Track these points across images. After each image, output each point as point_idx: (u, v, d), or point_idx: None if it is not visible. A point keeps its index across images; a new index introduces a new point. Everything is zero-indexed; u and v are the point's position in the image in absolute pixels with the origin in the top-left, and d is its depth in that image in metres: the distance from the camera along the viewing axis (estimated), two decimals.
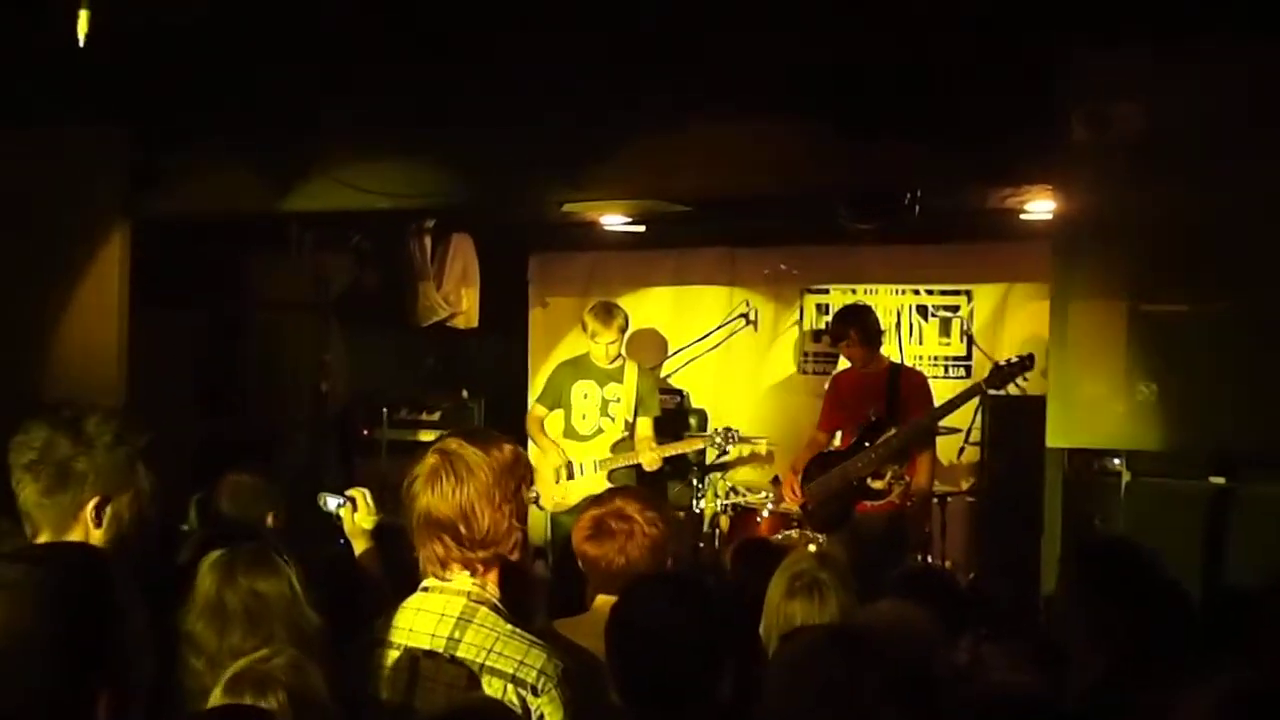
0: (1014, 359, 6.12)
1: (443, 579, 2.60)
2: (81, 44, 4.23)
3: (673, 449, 6.95)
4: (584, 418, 6.72)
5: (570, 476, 6.67)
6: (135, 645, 1.90)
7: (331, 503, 3.60)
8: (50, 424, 2.53)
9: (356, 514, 3.55)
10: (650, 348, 8.56)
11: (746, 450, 8.07)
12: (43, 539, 2.52)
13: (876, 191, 5.96)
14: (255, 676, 2.28)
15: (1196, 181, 4.58)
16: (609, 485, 6.43)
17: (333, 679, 2.46)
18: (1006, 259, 7.71)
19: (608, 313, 6.68)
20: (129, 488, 2.59)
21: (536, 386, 9.10)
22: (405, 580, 2.79)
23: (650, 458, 6.62)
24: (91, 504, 2.52)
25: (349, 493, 3.59)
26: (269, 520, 4.11)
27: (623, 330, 6.69)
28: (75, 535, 2.53)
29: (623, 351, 6.77)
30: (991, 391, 6.22)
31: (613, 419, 6.71)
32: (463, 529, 2.54)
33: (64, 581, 1.92)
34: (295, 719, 2.21)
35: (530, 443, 6.67)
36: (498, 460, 2.59)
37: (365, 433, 8.03)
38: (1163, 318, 4.68)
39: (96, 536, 2.55)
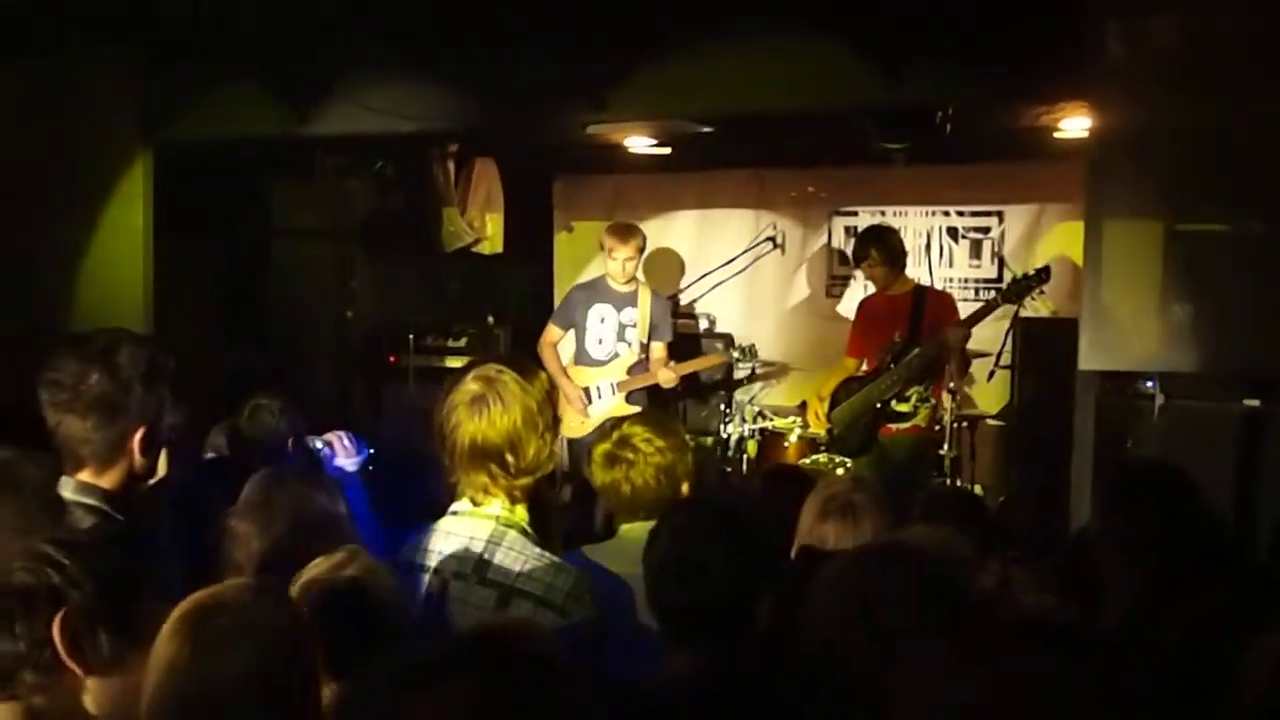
0: (1030, 271, 6.06)
1: (475, 503, 2.59)
2: None
3: (688, 366, 7.03)
4: (600, 342, 6.74)
5: (589, 402, 6.70)
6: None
7: (317, 443, 3.62)
8: (83, 355, 2.49)
9: (336, 459, 3.56)
10: (671, 270, 8.53)
11: (772, 373, 8.07)
12: (85, 473, 2.50)
13: (907, 111, 5.86)
14: (325, 584, 2.26)
15: (1234, 97, 4.46)
16: (628, 407, 6.48)
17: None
18: (1039, 179, 7.60)
19: (626, 229, 6.76)
20: (165, 417, 2.57)
21: None
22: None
23: (666, 376, 6.70)
24: (138, 435, 2.51)
25: (325, 437, 3.60)
26: (290, 444, 4.13)
27: (640, 250, 6.72)
28: (119, 468, 2.51)
29: (638, 274, 6.81)
30: (1008, 305, 6.15)
31: (629, 344, 6.74)
32: (509, 456, 2.53)
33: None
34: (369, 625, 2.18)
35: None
36: (538, 387, 2.59)
37: (392, 360, 8.05)
38: (1198, 237, 4.60)
39: (140, 467, 2.54)
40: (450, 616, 2.52)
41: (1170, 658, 2.36)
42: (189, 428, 3.84)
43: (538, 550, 2.54)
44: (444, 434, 2.57)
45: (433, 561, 2.58)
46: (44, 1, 5.36)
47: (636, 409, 6.38)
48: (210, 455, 4.34)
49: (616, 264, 6.67)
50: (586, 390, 6.75)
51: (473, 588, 2.52)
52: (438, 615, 2.54)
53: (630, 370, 6.75)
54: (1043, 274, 5.97)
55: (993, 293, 6.65)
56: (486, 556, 2.53)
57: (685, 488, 3.15)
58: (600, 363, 6.75)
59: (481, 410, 2.52)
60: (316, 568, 2.32)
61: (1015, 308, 6.33)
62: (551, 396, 2.62)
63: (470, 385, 2.55)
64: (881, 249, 6.33)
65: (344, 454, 3.58)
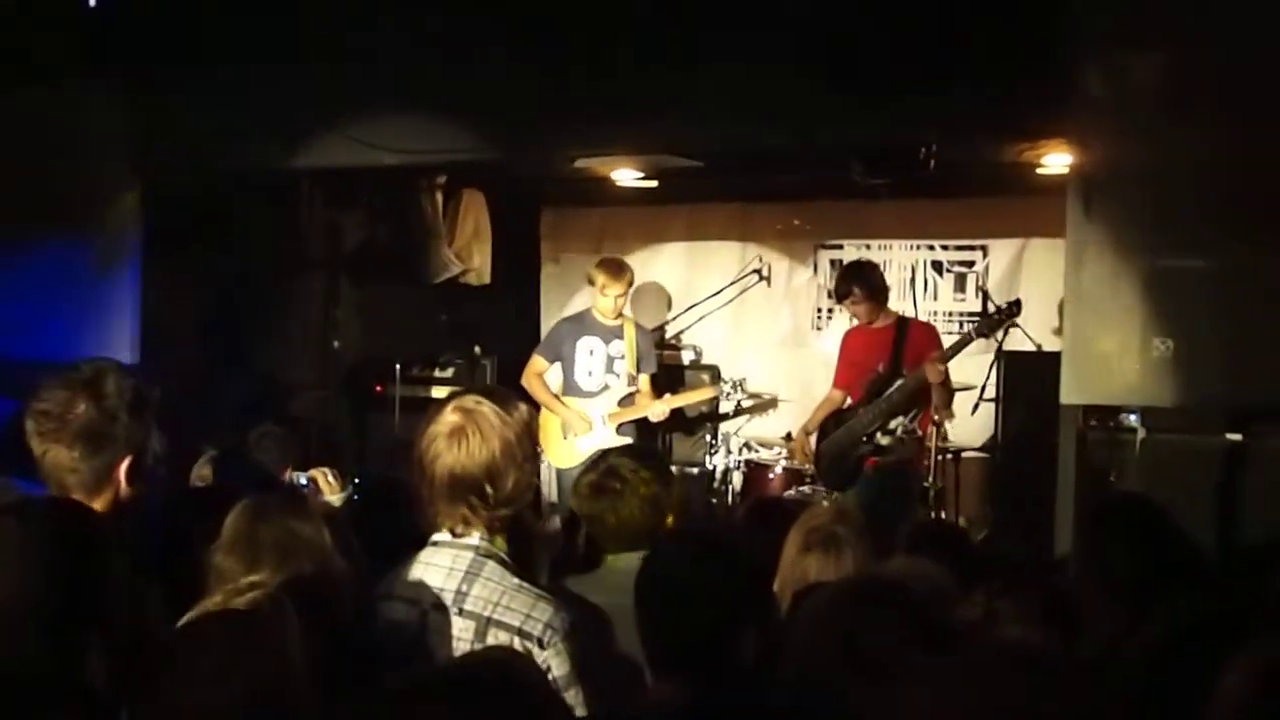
0: (1002, 304, 6.11)
1: (454, 534, 2.59)
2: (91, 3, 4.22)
3: (681, 400, 7.06)
4: (590, 374, 6.76)
5: (593, 425, 6.71)
6: (120, 603, 1.87)
7: (301, 479, 3.62)
8: (70, 385, 2.50)
9: (320, 495, 3.55)
10: (655, 303, 8.55)
11: (758, 405, 8.08)
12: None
13: (891, 147, 5.91)
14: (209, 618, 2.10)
15: (1213, 133, 4.52)
16: (619, 438, 6.50)
17: (351, 629, 2.51)
18: (1022, 213, 7.65)
19: (619, 267, 6.82)
20: (150, 446, 2.58)
21: None
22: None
23: (658, 410, 6.76)
24: (124, 465, 2.51)
25: (310, 473, 3.59)
26: (286, 474, 4.13)
27: (630, 285, 6.82)
28: (106, 496, 2.52)
29: (624, 309, 6.86)
30: (980, 339, 6.18)
31: (618, 375, 6.76)
32: (489, 489, 2.53)
33: (55, 535, 1.91)
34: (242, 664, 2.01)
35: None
36: (517, 419, 2.59)
37: (378, 390, 8.04)
38: (1179, 272, 4.63)
39: (126, 496, 2.54)
40: (429, 648, 2.51)
41: (1149, 676, 2.37)
42: (174, 456, 3.83)
43: (516, 581, 2.54)
44: (423, 465, 2.56)
45: (410, 593, 2.57)
46: (36, 35, 5.38)
47: (627, 440, 6.40)
48: (197, 485, 4.32)
49: (608, 300, 6.70)
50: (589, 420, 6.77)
51: (451, 619, 2.51)
52: (417, 647, 2.53)
53: (620, 402, 6.77)
54: (1013, 307, 6.02)
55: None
56: (465, 587, 2.52)
57: (670, 519, 3.16)
58: (590, 394, 6.76)
59: (460, 441, 2.52)
60: (213, 600, 2.24)
61: (998, 343, 6.36)
62: (531, 428, 2.63)
63: (449, 416, 2.55)
64: (863, 285, 6.37)
65: (329, 489, 3.57)
